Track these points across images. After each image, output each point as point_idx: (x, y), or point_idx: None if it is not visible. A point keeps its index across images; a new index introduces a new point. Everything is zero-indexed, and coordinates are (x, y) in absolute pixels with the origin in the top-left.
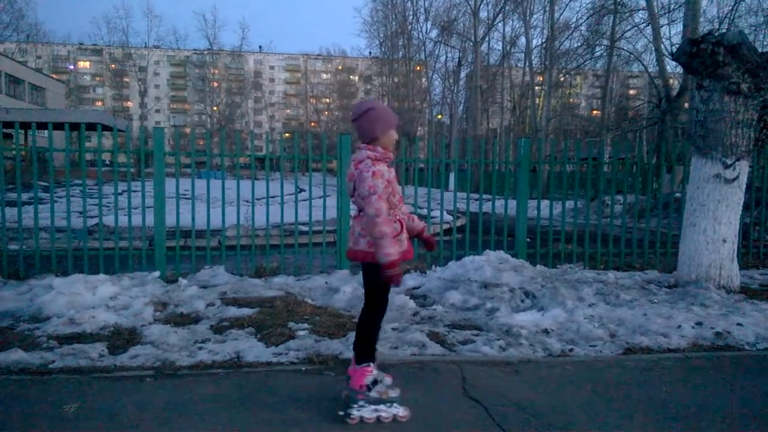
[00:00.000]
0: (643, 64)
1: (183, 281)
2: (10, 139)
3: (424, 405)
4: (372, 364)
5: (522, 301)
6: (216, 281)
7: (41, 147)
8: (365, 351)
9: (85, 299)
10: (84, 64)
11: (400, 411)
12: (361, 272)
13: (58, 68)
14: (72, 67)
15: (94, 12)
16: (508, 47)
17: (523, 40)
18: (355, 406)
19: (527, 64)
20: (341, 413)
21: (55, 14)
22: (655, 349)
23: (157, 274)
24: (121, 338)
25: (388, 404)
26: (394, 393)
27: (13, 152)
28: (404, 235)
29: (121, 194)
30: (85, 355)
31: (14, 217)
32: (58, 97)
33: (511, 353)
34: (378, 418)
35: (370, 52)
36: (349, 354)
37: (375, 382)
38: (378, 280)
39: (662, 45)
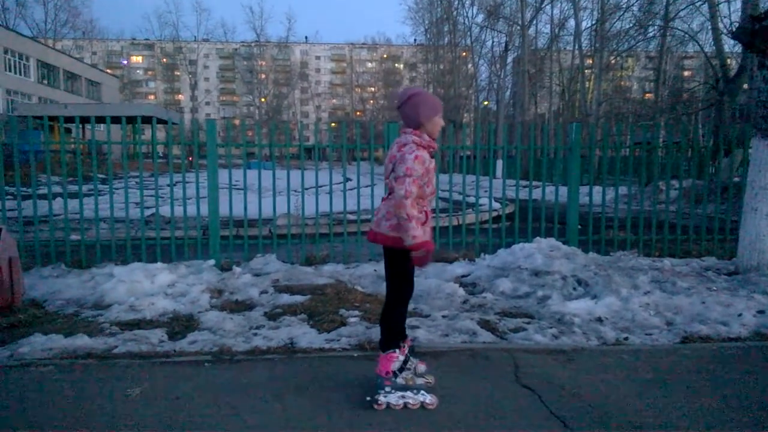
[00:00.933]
0: (698, 44)
1: (237, 269)
2: (69, 134)
3: (476, 392)
4: (398, 351)
5: (574, 288)
6: (268, 269)
7: (99, 140)
8: (391, 338)
9: (144, 287)
10: (137, 59)
11: (428, 398)
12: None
13: (112, 63)
14: (125, 62)
15: (145, 8)
16: (556, 30)
17: (572, 22)
18: (382, 392)
19: (576, 46)
20: (368, 399)
21: (109, 11)
22: (715, 338)
23: (212, 262)
24: (180, 324)
25: (415, 391)
26: (420, 380)
27: (73, 146)
28: (428, 227)
29: (175, 185)
30: (146, 340)
31: (76, 209)
32: (113, 91)
33: (564, 341)
34: (405, 405)
35: (415, 40)
36: None
37: (402, 369)
38: (399, 265)
39: (720, 23)
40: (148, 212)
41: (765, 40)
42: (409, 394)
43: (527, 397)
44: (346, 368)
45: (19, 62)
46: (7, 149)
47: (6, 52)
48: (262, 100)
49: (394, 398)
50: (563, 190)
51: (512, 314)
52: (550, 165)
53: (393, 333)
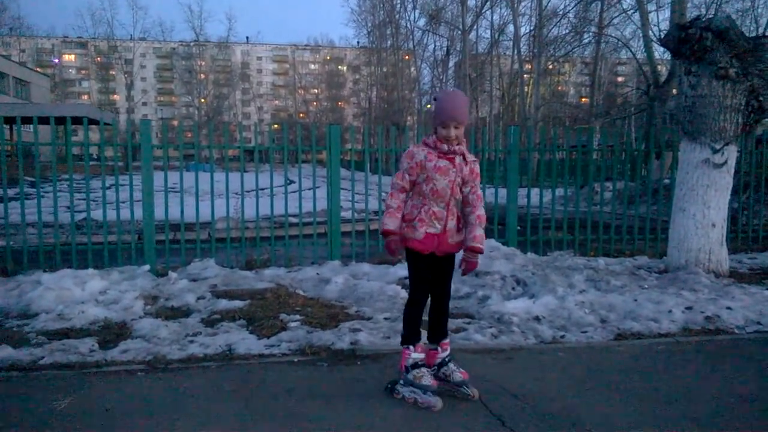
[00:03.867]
0: (631, 51)
1: (173, 274)
2: None
3: None
4: (411, 348)
5: (513, 288)
6: (206, 274)
7: (26, 142)
8: (404, 334)
9: (74, 294)
10: (69, 58)
11: (431, 400)
12: (350, 265)
13: (42, 62)
14: (57, 60)
15: (78, 5)
16: (496, 35)
17: (511, 27)
18: (399, 384)
19: (516, 51)
20: (388, 386)
21: (39, 7)
22: (646, 334)
23: (146, 267)
24: (111, 333)
25: (423, 391)
26: (426, 381)
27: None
28: (425, 226)
29: (108, 188)
30: (75, 350)
31: (0, 213)
32: (43, 91)
33: (503, 340)
34: (415, 401)
35: (358, 42)
36: (341, 345)
37: (414, 366)
38: (408, 264)
39: (650, 31)
40: (79, 216)
41: (691, 47)
42: (418, 392)
43: (466, 397)
44: (287, 374)
45: None
46: None
47: None
48: (202, 100)
49: (407, 392)
50: (503, 192)
51: (453, 315)
52: (490, 167)
53: (405, 330)
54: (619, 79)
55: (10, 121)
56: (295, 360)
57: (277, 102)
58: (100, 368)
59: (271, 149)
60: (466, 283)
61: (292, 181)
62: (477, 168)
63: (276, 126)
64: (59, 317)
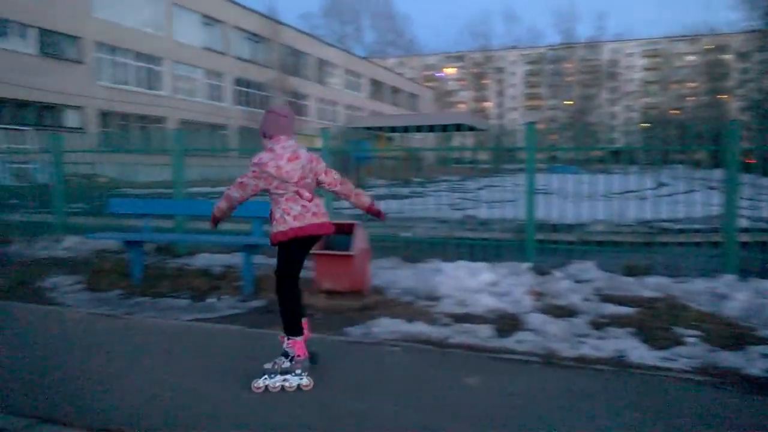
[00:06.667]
0: None
1: (557, 273)
2: (390, 141)
3: None
4: (293, 338)
5: None
6: (587, 276)
7: (416, 147)
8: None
9: (469, 284)
10: (449, 71)
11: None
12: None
13: (428, 77)
14: (442, 74)
15: (459, 23)
16: None
17: None
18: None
19: None
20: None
21: (427, 29)
22: None
23: (528, 264)
24: (505, 323)
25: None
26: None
27: (394, 152)
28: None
29: (484, 189)
30: (475, 334)
31: (398, 209)
32: (428, 102)
33: None
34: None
35: (747, 26)
36: (753, 371)
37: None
38: None
39: None
40: (462, 213)
41: None
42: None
43: None
44: (691, 394)
45: (355, 80)
46: (344, 156)
47: (346, 72)
48: (569, 102)
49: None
50: None
51: None
52: None
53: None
54: None
55: (403, 129)
56: (696, 379)
57: (646, 99)
58: (499, 354)
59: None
60: None
61: (664, 184)
62: None
63: (646, 125)
64: (459, 302)
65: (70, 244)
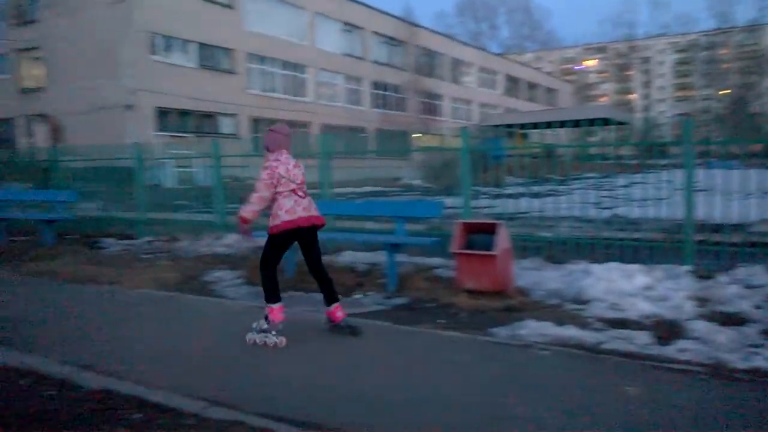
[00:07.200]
0: None
1: (722, 278)
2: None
3: None
4: (270, 305)
5: None
6: (755, 281)
7: (554, 144)
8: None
9: (622, 287)
10: (589, 63)
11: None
12: None
13: (566, 70)
14: (581, 67)
15: (601, 13)
16: None
17: None
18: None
19: None
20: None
21: (566, 21)
22: None
23: (687, 268)
24: (665, 330)
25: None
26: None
27: (531, 149)
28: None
29: (630, 186)
30: (632, 340)
31: (537, 207)
32: (567, 96)
33: None
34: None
35: None
36: None
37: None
38: None
39: None
40: (610, 212)
41: None
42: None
43: None
44: None
45: (489, 78)
46: (480, 154)
47: (481, 70)
48: (724, 92)
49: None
50: None
51: None
52: None
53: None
54: None
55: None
56: None
57: None
58: (660, 363)
59: None
60: None
61: None
62: None
63: None
64: (612, 307)
65: (230, 242)
